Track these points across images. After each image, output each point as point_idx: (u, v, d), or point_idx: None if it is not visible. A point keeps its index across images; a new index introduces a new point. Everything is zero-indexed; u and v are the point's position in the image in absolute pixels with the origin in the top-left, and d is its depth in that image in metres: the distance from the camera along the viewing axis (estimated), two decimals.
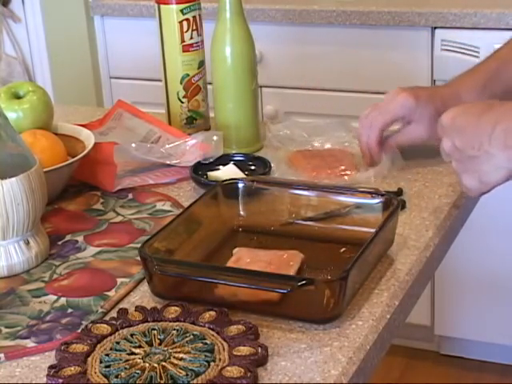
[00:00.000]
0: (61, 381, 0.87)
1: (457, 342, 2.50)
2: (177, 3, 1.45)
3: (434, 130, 1.13)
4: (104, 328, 0.95)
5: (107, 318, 0.99)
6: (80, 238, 1.19)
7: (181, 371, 0.86)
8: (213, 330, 0.93)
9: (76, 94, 2.60)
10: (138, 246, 1.04)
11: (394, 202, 1.08)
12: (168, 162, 1.35)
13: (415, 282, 1.06)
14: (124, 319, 0.96)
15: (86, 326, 0.96)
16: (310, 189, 1.15)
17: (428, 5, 2.25)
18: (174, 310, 0.97)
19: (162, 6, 1.46)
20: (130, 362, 0.88)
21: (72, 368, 0.88)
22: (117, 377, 0.86)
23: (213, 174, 1.30)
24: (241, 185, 1.17)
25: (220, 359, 0.89)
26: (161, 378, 0.86)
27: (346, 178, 1.28)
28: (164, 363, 0.88)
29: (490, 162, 1.04)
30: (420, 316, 2.42)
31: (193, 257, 1.07)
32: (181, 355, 0.89)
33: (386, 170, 1.30)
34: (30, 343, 0.96)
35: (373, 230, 1.03)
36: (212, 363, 0.88)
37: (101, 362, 0.89)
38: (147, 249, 1.01)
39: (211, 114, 1.52)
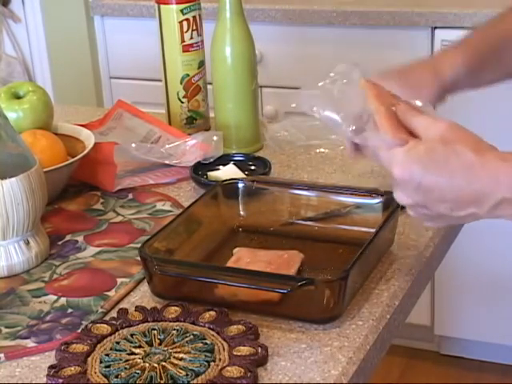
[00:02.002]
0: (61, 381, 0.87)
1: (457, 342, 2.50)
2: (177, 3, 1.45)
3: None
4: (104, 328, 0.95)
5: (107, 317, 0.99)
6: (80, 238, 1.19)
7: (181, 371, 0.86)
8: (213, 329, 0.93)
9: (76, 94, 2.60)
10: (138, 246, 1.04)
11: (394, 202, 1.08)
12: (168, 162, 1.35)
13: (415, 281, 1.06)
14: (124, 319, 0.96)
15: (86, 326, 0.96)
16: (310, 189, 1.15)
17: (428, 5, 2.25)
18: (173, 310, 0.97)
19: (162, 6, 1.46)
20: (130, 362, 0.88)
21: (72, 368, 0.88)
22: (117, 377, 0.86)
23: (213, 174, 1.30)
24: (241, 185, 1.17)
25: (220, 359, 0.89)
26: (161, 378, 0.86)
27: None
28: (164, 363, 0.88)
29: (468, 219, 0.92)
30: (420, 316, 2.42)
31: (193, 257, 1.07)
32: (181, 355, 0.89)
33: None
34: (30, 343, 0.96)
35: (373, 230, 1.03)
36: (212, 363, 0.88)
37: (101, 362, 0.89)
38: (147, 249, 1.01)
39: (211, 114, 1.52)
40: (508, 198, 0.86)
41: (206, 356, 0.88)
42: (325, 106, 0.97)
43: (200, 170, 1.32)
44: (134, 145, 1.35)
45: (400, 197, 0.92)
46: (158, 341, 0.92)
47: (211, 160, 1.34)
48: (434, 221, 0.93)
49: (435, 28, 2.22)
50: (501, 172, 0.85)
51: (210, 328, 0.94)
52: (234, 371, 0.86)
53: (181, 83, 1.48)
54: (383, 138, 0.90)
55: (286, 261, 1.04)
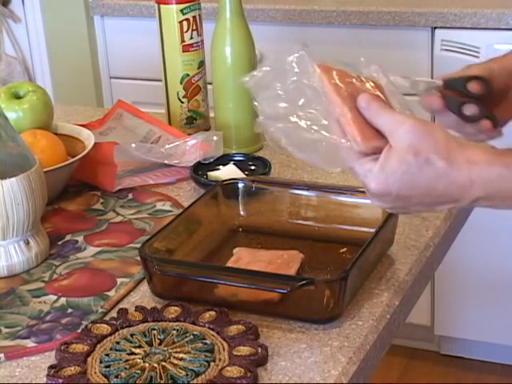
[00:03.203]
0: (61, 381, 0.87)
1: (457, 342, 2.50)
2: (177, 3, 1.45)
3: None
4: (104, 328, 0.95)
5: (107, 317, 0.99)
6: (80, 238, 1.19)
7: (181, 371, 0.86)
8: (213, 330, 0.93)
9: (76, 94, 2.60)
10: (138, 246, 1.04)
11: None
12: (168, 162, 1.35)
13: (415, 282, 1.06)
14: (124, 319, 0.96)
15: (86, 326, 0.96)
16: (310, 189, 1.15)
17: (428, 5, 2.25)
18: (173, 310, 0.97)
19: (161, 6, 1.46)
20: (130, 362, 0.88)
21: (72, 368, 0.88)
22: (117, 377, 0.86)
23: (213, 174, 1.30)
24: (241, 185, 1.17)
25: (220, 359, 0.89)
26: (161, 378, 0.86)
27: None
28: (164, 363, 0.88)
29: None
30: (420, 316, 2.42)
31: (193, 257, 1.07)
32: (181, 355, 0.89)
33: None
34: (29, 343, 0.96)
35: (373, 230, 1.03)
36: (212, 363, 0.88)
37: (101, 362, 0.89)
38: (147, 249, 1.01)
39: (211, 114, 1.52)
40: (482, 196, 0.90)
41: (205, 356, 0.88)
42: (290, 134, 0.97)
43: (200, 170, 1.32)
44: (133, 145, 1.35)
45: (378, 204, 0.95)
46: (158, 341, 0.92)
47: (211, 160, 1.34)
48: (414, 215, 0.99)
49: (435, 28, 2.22)
50: (473, 174, 0.89)
51: (210, 328, 0.94)
52: (233, 371, 0.86)
53: (181, 83, 1.48)
54: (353, 146, 0.91)
55: (286, 261, 1.04)
